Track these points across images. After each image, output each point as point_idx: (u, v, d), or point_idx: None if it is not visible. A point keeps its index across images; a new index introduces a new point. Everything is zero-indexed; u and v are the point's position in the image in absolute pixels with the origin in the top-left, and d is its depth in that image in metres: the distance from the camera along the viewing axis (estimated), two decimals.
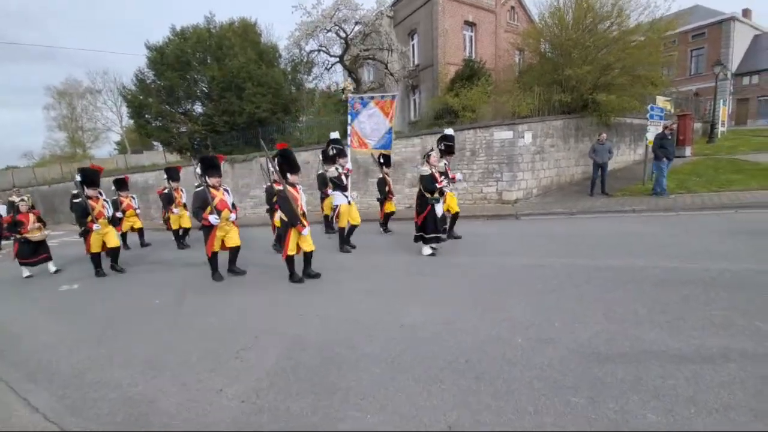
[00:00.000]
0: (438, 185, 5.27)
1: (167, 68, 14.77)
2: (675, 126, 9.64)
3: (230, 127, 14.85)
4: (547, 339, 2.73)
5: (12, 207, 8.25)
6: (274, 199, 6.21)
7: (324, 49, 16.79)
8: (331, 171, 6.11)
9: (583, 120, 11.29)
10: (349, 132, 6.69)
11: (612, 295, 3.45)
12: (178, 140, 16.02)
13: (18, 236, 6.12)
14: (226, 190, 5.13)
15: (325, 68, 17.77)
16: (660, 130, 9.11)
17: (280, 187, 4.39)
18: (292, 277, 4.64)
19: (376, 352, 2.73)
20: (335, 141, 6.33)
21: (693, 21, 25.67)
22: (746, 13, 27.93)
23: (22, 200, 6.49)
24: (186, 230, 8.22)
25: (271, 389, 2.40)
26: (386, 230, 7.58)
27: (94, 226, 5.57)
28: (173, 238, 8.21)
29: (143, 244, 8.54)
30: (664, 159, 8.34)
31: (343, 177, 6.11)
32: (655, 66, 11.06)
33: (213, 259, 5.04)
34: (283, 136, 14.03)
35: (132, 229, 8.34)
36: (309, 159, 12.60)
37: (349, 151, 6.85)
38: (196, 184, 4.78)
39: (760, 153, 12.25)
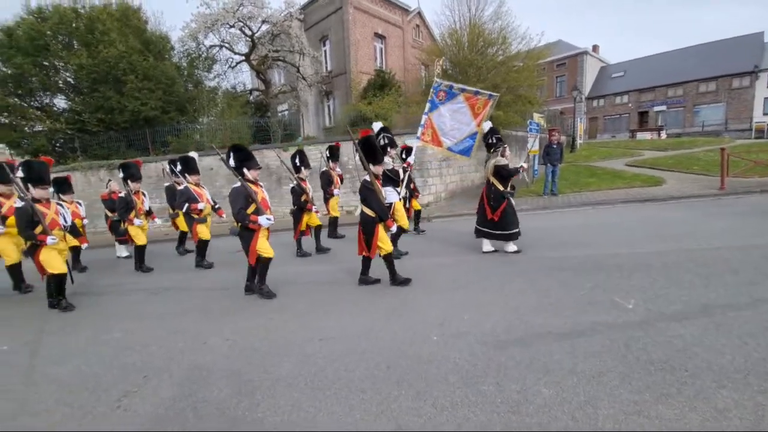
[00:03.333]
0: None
1: (18, 52, 11.81)
2: (562, 137, 11.08)
3: (107, 126, 12.53)
4: (458, 333, 2.92)
5: None
6: (303, 197, 5.90)
7: (227, 45, 15.48)
8: (386, 162, 5.37)
9: None
10: (423, 122, 5.68)
11: (509, 285, 3.90)
12: (32, 141, 12.89)
13: None
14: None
15: (229, 66, 16.40)
16: (537, 141, 10.81)
17: (368, 178, 4.04)
18: (395, 279, 4.24)
19: (293, 373, 2.55)
20: (385, 129, 5.58)
21: (557, 53, 31.62)
22: (595, 48, 35.55)
23: None
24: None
25: None
26: (419, 231, 7.24)
27: (48, 239, 4.06)
28: (124, 255, 7.03)
29: (79, 268, 6.49)
30: (548, 165, 9.89)
31: (401, 171, 5.51)
32: (532, 88, 13.18)
33: (262, 268, 4.15)
34: (179, 138, 12.42)
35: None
36: (212, 165, 11.42)
37: (415, 144, 5.97)
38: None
39: (606, 160, 15.60)
